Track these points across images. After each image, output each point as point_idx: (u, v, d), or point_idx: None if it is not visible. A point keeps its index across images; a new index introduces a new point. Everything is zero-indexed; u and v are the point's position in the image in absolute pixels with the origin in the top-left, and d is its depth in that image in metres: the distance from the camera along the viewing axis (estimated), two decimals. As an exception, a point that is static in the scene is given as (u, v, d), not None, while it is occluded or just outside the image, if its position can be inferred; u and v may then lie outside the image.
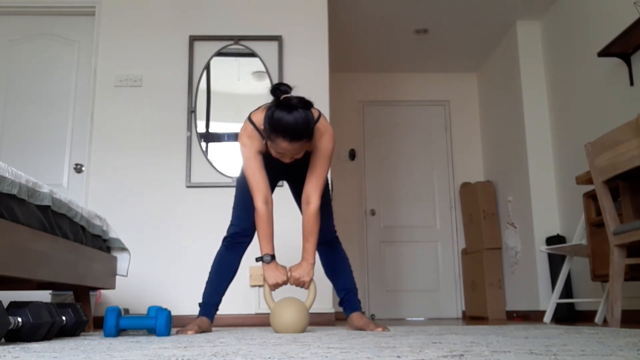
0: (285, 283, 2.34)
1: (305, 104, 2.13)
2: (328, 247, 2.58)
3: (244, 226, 2.50)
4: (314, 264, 2.35)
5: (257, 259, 2.37)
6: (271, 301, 2.37)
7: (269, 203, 2.34)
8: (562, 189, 4.72)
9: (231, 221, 2.55)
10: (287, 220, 3.75)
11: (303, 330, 2.31)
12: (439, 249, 5.90)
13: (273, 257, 2.35)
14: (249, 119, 2.32)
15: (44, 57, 4.28)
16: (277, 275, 2.33)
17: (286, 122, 2.09)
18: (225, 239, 2.54)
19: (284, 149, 2.15)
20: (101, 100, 4.13)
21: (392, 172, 6.02)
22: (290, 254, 3.95)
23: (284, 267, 2.37)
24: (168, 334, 2.01)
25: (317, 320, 3.83)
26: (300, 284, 2.35)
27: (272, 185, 2.51)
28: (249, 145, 2.30)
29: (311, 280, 2.37)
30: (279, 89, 2.20)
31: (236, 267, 2.53)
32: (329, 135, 2.33)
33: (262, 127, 2.24)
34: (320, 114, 2.32)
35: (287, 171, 2.50)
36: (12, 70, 4.24)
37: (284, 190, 3.30)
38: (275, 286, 2.34)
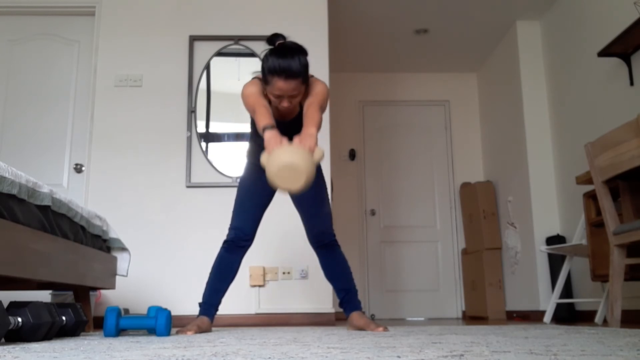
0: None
1: (299, 47, 2.26)
2: (327, 249, 2.59)
3: (244, 230, 2.51)
4: (314, 135, 2.11)
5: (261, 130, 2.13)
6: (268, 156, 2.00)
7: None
8: (562, 189, 4.72)
9: (231, 224, 2.55)
10: (288, 220, 3.75)
11: (307, 177, 1.95)
12: (439, 249, 5.90)
13: (274, 125, 2.15)
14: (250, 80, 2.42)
15: (44, 57, 4.28)
16: (279, 139, 2.07)
17: (282, 61, 2.20)
18: (225, 242, 2.54)
19: (280, 88, 2.22)
20: (101, 100, 4.13)
21: (392, 172, 6.02)
22: (291, 255, 3.96)
23: (285, 138, 2.09)
24: (168, 334, 2.01)
25: (317, 320, 3.84)
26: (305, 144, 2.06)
27: (270, 197, 2.57)
28: (251, 89, 2.33)
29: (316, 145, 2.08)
30: (275, 38, 2.31)
31: (236, 269, 2.54)
32: (322, 85, 2.37)
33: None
34: (312, 76, 2.40)
35: (288, 134, 2.50)
36: (12, 70, 4.24)
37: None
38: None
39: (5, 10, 4.28)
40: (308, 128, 2.15)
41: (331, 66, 5.42)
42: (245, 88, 2.37)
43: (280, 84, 2.22)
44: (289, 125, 2.39)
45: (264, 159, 2.01)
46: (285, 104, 2.29)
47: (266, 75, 2.25)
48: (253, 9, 4.30)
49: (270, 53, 2.25)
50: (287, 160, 1.92)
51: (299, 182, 1.94)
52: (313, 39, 4.23)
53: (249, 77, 4.23)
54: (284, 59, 2.21)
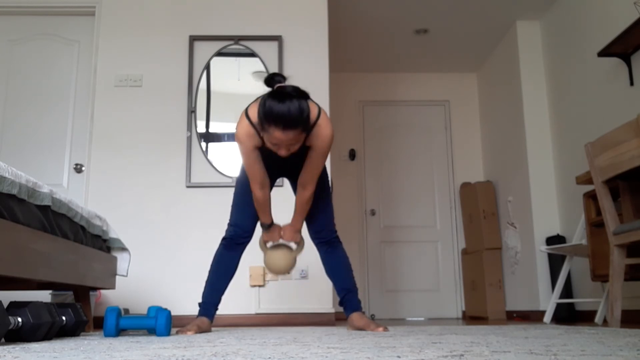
0: (277, 240, 2.60)
1: (299, 93, 2.09)
2: (329, 246, 2.59)
3: (243, 227, 2.51)
4: (299, 230, 2.56)
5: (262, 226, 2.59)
6: (265, 249, 2.61)
7: (265, 188, 2.42)
8: (562, 189, 4.72)
9: (229, 222, 2.55)
10: (288, 220, 3.74)
11: (288, 270, 2.59)
12: (439, 249, 5.90)
13: (270, 224, 2.54)
14: (246, 114, 2.27)
15: (44, 57, 4.28)
16: (272, 236, 2.57)
17: (278, 111, 2.04)
18: (224, 239, 2.54)
19: (278, 138, 2.09)
20: (101, 100, 4.13)
21: (392, 172, 6.02)
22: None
23: (278, 227, 2.59)
24: (168, 334, 2.01)
25: (317, 320, 3.83)
26: (289, 240, 2.61)
27: (271, 183, 2.53)
28: (245, 143, 2.28)
29: (300, 240, 2.60)
30: (273, 79, 2.19)
31: (235, 266, 2.53)
32: (328, 135, 2.27)
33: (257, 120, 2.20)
34: (320, 110, 2.27)
35: (286, 167, 2.50)
36: (12, 70, 4.24)
37: (284, 191, 3.30)
38: (268, 241, 2.60)
39: (5, 10, 4.28)
40: (296, 221, 2.50)
41: (331, 66, 5.42)
42: (238, 131, 2.25)
43: (277, 134, 2.07)
44: (285, 160, 2.33)
45: (261, 246, 2.60)
46: (282, 152, 2.16)
47: (262, 122, 2.09)
48: (253, 9, 4.30)
49: (269, 96, 2.09)
50: (275, 268, 2.57)
51: (284, 273, 2.64)
52: (313, 39, 4.23)
53: (249, 77, 4.23)
54: (282, 108, 2.03)
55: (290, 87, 2.11)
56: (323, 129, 2.25)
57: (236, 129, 2.29)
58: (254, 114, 2.23)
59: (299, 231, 2.56)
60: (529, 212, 4.87)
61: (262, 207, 2.45)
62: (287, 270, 2.58)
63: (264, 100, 2.10)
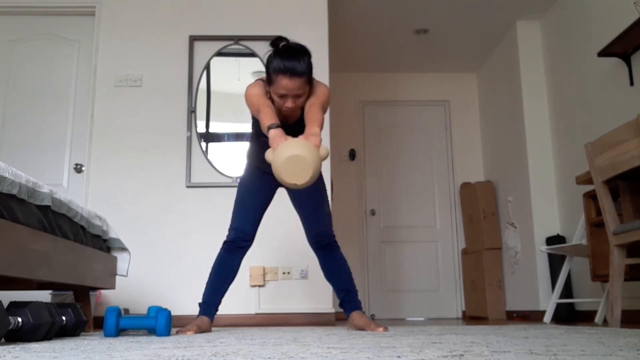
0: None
1: (303, 48, 2.29)
2: (327, 250, 2.59)
3: (244, 231, 2.51)
4: (318, 133, 2.10)
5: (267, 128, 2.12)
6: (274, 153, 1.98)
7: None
8: (562, 189, 4.72)
9: (231, 225, 2.55)
10: (288, 220, 3.74)
11: (315, 169, 1.94)
12: (439, 249, 5.90)
13: (279, 124, 2.14)
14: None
15: (44, 57, 4.28)
16: (284, 137, 2.07)
17: (286, 60, 2.22)
18: (225, 242, 2.54)
19: (285, 86, 2.23)
20: (101, 100, 4.13)
21: (392, 172, 6.02)
22: (291, 255, 3.96)
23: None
24: (168, 334, 2.01)
25: (317, 320, 3.84)
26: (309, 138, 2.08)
27: (270, 197, 2.60)
28: (256, 90, 2.33)
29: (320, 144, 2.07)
30: (279, 40, 2.33)
31: (236, 270, 2.54)
32: (325, 90, 2.39)
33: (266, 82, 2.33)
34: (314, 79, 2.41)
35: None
36: (12, 70, 4.24)
37: (283, 191, 3.30)
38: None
39: (5, 10, 4.28)
40: (311, 127, 2.14)
41: (331, 66, 5.42)
42: (248, 89, 2.37)
43: (285, 82, 2.23)
44: (291, 128, 2.39)
45: (269, 155, 2.00)
46: (289, 104, 2.29)
47: (271, 74, 2.27)
48: (253, 9, 4.30)
49: (275, 54, 2.27)
50: (294, 152, 1.90)
51: (306, 175, 1.92)
52: (313, 39, 4.22)
53: (249, 77, 4.23)
54: (289, 59, 2.23)
55: (294, 43, 2.31)
56: (320, 87, 2.39)
57: (245, 91, 2.37)
58: (260, 80, 2.40)
59: (319, 135, 2.09)
60: (529, 212, 4.87)
61: (267, 111, 2.21)
62: (311, 166, 1.91)
63: (271, 56, 2.28)
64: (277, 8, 4.30)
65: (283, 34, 4.29)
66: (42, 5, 4.29)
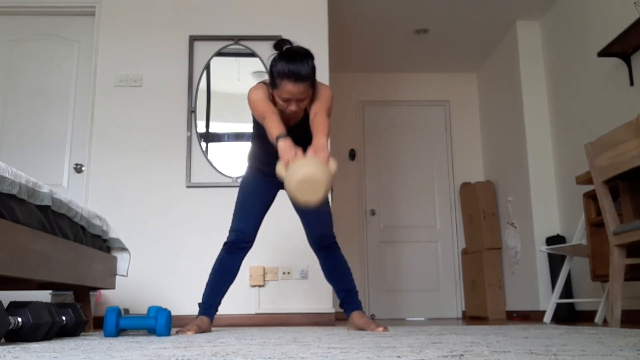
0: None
1: (307, 52, 2.29)
2: (327, 251, 2.59)
3: (244, 232, 2.52)
4: (326, 145, 2.11)
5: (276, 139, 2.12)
6: (286, 171, 2.01)
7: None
8: (562, 189, 4.72)
9: (232, 226, 2.55)
10: (288, 220, 3.74)
11: (326, 187, 1.96)
12: (439, 249, 5.90)
13: (287, 134, 2.15)
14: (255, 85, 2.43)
15: (44, 57, 4.28)
16: (291, 150, 2.06)
17: (290, 64, 2.22)
18: (225, 243, 2.54)
19: (289, 92, 2.23)
20: (101, 100, 4.13)
21: (392, 172, 6.02)
22: (291, 255, 3.96)
23: (299, 149, 2.09)
24: (168, 334, 2.01)
25: (317, 320, 3.84)
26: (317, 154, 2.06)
27: (271, 199, 2.60)
28: (259, 94, 2.34)
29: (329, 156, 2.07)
30: (282, 43, 2.33)
31: (236, 271, 2.54)
32: (328, 93, 2.40)
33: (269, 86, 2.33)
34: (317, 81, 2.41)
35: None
36: (12, 70, 4.24)
37: (284, 191, 3.30)
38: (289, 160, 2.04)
39: (5, 10, 4.28)
40: (319, 138, 2.14)
41: (331, 66, 5.42)
42: (251, 93, 2.37)
43: (289, 87, 2.23)
44: (294, 129, 2.39)
45: (280, 170, 2.03)
46: (292, 107, 2.29)
47: (275, 78, 2.26)
48: (253, 9, 4.30)
49: (279, 57, 2.27)
50: (307, 174, 1.93)
51: (319, 194, 1.96)
52: (313, 39, 4.23)
53: (249, 77, 4.23)
54: (292, 62, 2.23)
55: (297, 46, 2.32)
56: (323, 90, 2.39)
57: (248, 95, 2.38)
58: (262, 83, 2.41)
59: (326, 147, 2.11)
60: (529, 212, 4.87)
61: (273, 119, 2.22)
62: (324, 185, 1.94)
63: (274, 60, 2.28)
64: (277, 8, 4.30)
65: (283, 34, 4.31)
66: (42, 5, 4.29)
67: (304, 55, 2.27)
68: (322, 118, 2.25)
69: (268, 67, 2.34)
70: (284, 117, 2.38)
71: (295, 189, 1.96)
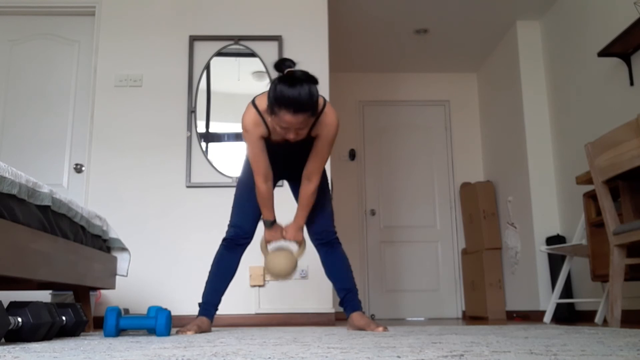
0: (279, 239, 2.57)
1: (309, 78, 2.12)
2: (328, 247, 2.59)
3: (243, 228, 2.51)
4: (302, 227, 2.55)
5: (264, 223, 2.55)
6: (266, 252, 2.59)
7: (269, 181, 2.41)
8: (562, 189, 4.72)
9: (230, 222, 2.55)
10: (288, 220, 3.74)
11: (290, 274, 2.56)
12: (439, 249, 5.90)
13: (273, 222, 2.52)
14: (253, 103, 2.31)
15: (44, 57, 4.28)
16: (274, 234, 2.55)
17: (290, 94, 2.07)
18: (224, 240, 2.54)
19: (288, 122, 2.11)
20: (101, 100, 4.13)
21: (392, 172, 6.02)
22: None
23: (280, 227, 2.56)
24: (168, 334, 2.01)
25: (317, 320, 3.84)
26: (292, 239, 2.58)
27: (274, 181, 2.54)
28: (251, 131, 2.30)
29: (302, 240, 2.58)
30: (283, 64, 2.20)
31: (236, 267, 2.54)
32: (334, 122, 2.32)
33: (265, 109, 2.23)
34: (325, 101, 2.32)
35: (288, 165, 2.51)
36: (12, 70, 4.24)
37: (284, 191, 3.30)
38: (270, 241, 2.57)
39: (5, 10, 4.28)
40: (298, 219, 2.49)
41: (331, 66, 5.42)
42: (245, 120, 2.28)
43: (287, 118, 2.10)
44: (293, 146, 2.34)
45: (262, 246, 2.58)
46: (291, 136, 2.18)
47: (273, 105, 2.12)
48: (253, 9, 4.30)
49: (279, 81, 2.11)
50: (277, 269, 2.52)
51: (286, 277, 2.57)
52: (313, 39, 4.23)
53: (249, 77, 4.23)
54: (292, 91, 2.06)
55: (300, 71, 2.14)
56: (329, 117, 2.30)
57: (242, 118, 2.32)
58: (261, 103, 2.28)
59: (302, 229, 2.55)
60: (529, 212, 4.87)
61: (266, 201, 2.44)
62: (288, 274, 2.54)
63: (274, 84, 2.13)
64: (277, 8, 4.30)
65: (283, 34, 4.30)
66: (42, 5, 4.29)
67: (305, 81, 2.10)
68: (314, 184, 2.39)
69: (270, 91, 2.17)
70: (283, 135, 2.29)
71: (269, 273, 2.58)
